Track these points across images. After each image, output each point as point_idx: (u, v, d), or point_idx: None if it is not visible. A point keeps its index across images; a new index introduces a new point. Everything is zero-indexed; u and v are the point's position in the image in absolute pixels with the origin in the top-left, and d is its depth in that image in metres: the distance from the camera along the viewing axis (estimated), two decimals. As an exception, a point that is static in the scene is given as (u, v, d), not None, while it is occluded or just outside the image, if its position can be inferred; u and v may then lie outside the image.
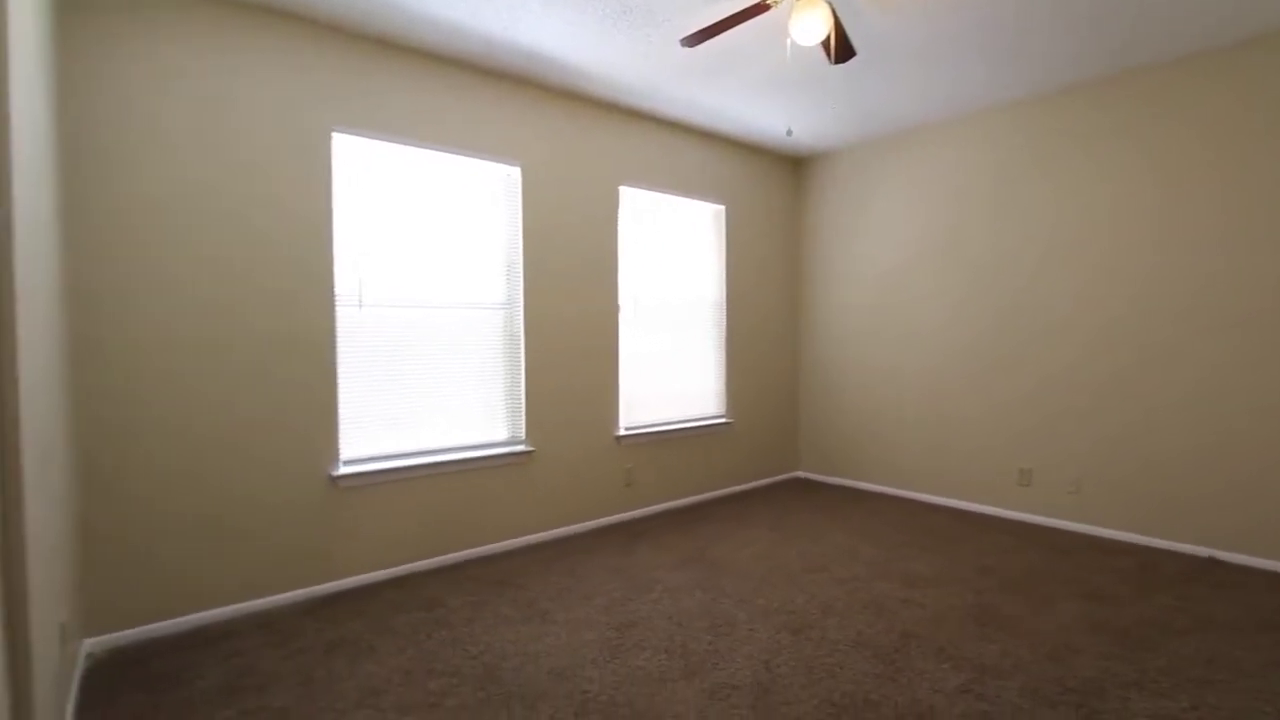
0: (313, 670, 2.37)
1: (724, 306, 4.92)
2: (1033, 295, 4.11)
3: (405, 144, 3.28)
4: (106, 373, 2.54)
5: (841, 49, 2.78)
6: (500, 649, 2.53)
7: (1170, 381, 3.58)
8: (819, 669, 2.36)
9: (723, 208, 4.86)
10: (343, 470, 3.11)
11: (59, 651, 1.95)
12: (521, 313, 3.75)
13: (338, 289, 3.10)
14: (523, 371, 3.76)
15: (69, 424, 2.32)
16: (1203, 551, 3.48)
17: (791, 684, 2.26)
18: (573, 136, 3.94)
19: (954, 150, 4.45)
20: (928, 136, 4.59)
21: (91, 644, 2.53)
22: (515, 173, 3.71)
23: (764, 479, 5.27)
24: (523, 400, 3.77)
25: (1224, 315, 3.39)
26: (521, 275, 3.74)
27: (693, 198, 4.64)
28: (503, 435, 3.72)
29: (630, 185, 4.26)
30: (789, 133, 2.90)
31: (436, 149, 3.38)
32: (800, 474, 5.55)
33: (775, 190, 5.26)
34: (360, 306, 3.19)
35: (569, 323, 3.96)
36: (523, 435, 3.78)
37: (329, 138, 3.04)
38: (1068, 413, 3.97)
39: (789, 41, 3.21)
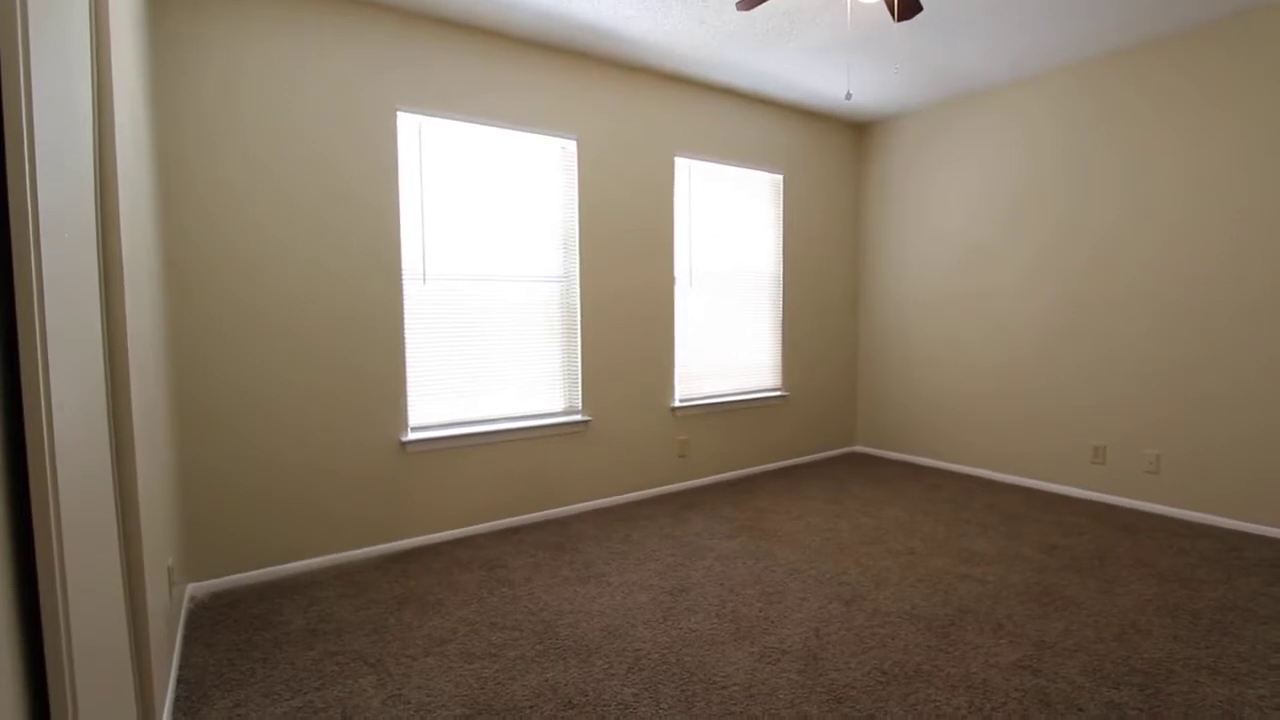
0: (385, 619, 2.55)
1: (781, 278, 4.85)
2: (1106, 262, 3.87)
3: (465, 120, 3.37)
4: (196, 351, 2.75)
5: (906, 5, 2.66)
6: (558, 607, 2.65)
7: (1256, 351, 3.32)
8: (869, 638, 2.37)
9: (780, 176, 4.77)
10: (411, 437, 3.28)
11: (167, 592, 2.18)
12: (578, 285, 3.82)
13: (404, 264, 3.24)
14: (579, 343, 3.84)
15: (168, 396, 2.55)
16: (1296, 537, 3.26)
17: (841, 651, 2.28)
18: (628, 108, 3.94)
19: (1022, 113, 4.20)
20: (995, 99, 4.34)
21: (193, 588, 2.79)
22: (571, 146, 3.75)
23: (820, 453, 5.23)
24: (579, 371, 3.86)
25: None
26: (578, 248, 3.80)
27: (749, 167, 4.56)
28: (560, 405, 3.83)
29: (686, 155, 4.23)
30: (848, 96, 2.81)
31: (495, 124, 3.46)
32: (858, 448, 5.47)
33: (835, 157, 5.10)
34: (424, 281, 3.32)
35: (625, 295, 4.00)
36: (579, 406, 3.87)
37: (394, 116, 3.15)
38: (1145, 386, 3.75)
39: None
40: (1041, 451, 4.27)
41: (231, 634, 2.45)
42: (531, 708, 1.98)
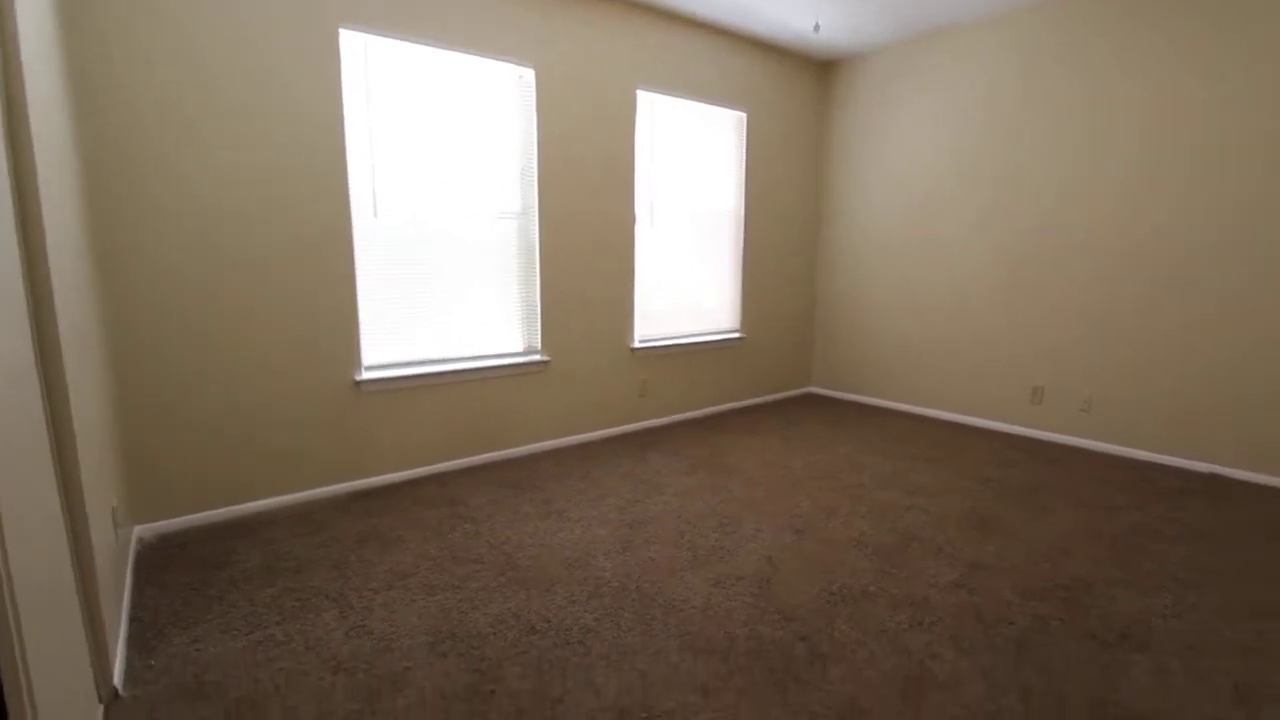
0: (345, 556, 2.55)
1: (742, 219, 4.83)
2: (1056, 213, 3.98)
3: (415, 42, 3.16)
4: (131, 276, 2.59)
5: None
6: (519, 541, 2.69)
7: (1184, 303, 3.51)
8: (819, 564, 2.49)
9: (744, 114, 4.68)
10: (365, 375, 3.20)
11: (113, 533, 2.11)
12: (537, 221, 3.72)
13: (352, 194, 3.09)
14: (538, 282, 3.77)
15: (100, 327, 2.40)
16: (1205, 468, 3.53)
17: (793, 576, 2.39)
18: (589, 37, 3.76)
19: (984, 54, 4.19)
20: (959, 38, 4.31)
21: (141, 530, 2.72)
22: (529, 75, 3.57)
23: (776, 393, 5.35)
24: (539, 310, 3.80)
25: (1252, 237, 3.28)
26: (536, 183, 3.68)
27: (713, 103, 4.46)
28: (520, 345, 3.78)
29: (648, 90, 4.09)
30: (816, 28, 2.74)
31: (447, 48, 3.26)
32: (812, 389, 5.62)
33: (799, 96, 5.03)
34: (375, 213, 3.18)
35: (585, 232, 3.92)
36: (539, 345, 3.84)
37: (335, 33, 2.93)
38: (1084, 332, 3.94)
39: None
40: (985, 392, 4.47)
41: (184, 574, 2.41)
42: (495, 634, 2.02)
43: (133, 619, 2.11)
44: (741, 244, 4.86)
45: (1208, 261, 3.44)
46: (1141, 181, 3.64)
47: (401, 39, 3.12)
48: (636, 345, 4.29)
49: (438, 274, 3.42)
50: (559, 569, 2.45)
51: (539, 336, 3.83)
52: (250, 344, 2.87)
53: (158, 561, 2.51)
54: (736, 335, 4.90)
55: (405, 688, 1.78)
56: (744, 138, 4.72)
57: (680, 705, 1.71)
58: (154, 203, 2.60)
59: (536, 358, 3.80)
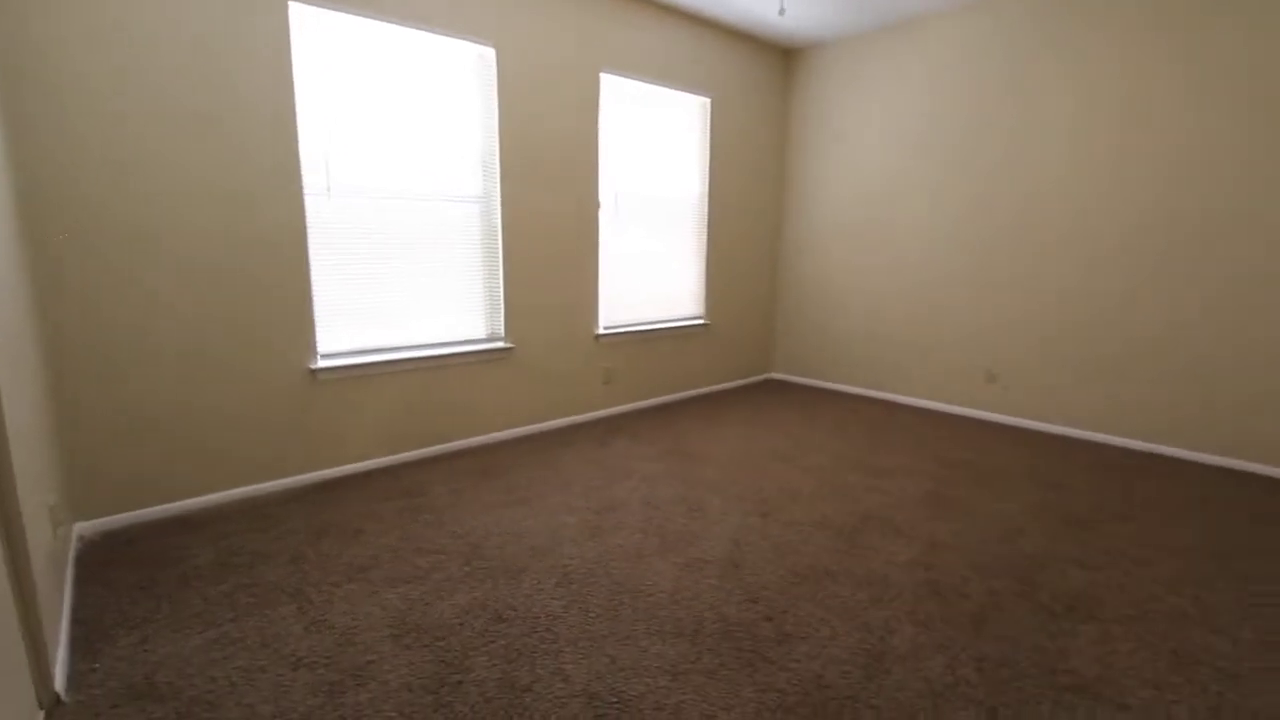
0: (303, 550, 2.47)
1: (706, 205, 4.83)
2: (1007, 199, 4.09)
3: (370, 17, 3.04)
4: (64, 269, 2.44)
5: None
6: (484, 530, 2.65)
7: (1127, 285, 3.66)
8: (784, 546, 2.52)
9: (708, 100, 4.66)
10: (321, 364, 3.10)
11: (51, 531, 2.01)
12: (499, 206, 3.64)
13: (305, 177, 2.97)
14: (501, 267, 3.71)
15: (33, 321, 2.26)
16: (1152, 448, 3.70)
17: (758, 558, 2.42)
18: (552, 16, 3.68)
19: (939, 46, 4.26)
20: (917, 30, 4.37)
21: (82, 527, 2.59)
22: (490, 54, 3.49)
23: (740, 379, 5.40)
24: (502, 297, 3.74)
25: (1188, 230, 3.42)
26: (499, 166, 3.60)
27: (677, 88, 4.43)
28: (482, 332, 3.72)
29: (612, 73, 4.04)
30: (781, 11, 2.74)
31: (403, 24, 3.15)
32: (775, 375, 5.68)
33: (764, 82, 5.03)
34: (329, 196, 3.07)
35: (548, 218, 3.87)
36: (502, 332, 3.78)
37: (285, 7, 2.80)
38: (1036, 316, 4.07)
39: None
40: (941, 376, 4.58)
41: (131, 572, 2.31)
42: (461, 624, 1.99)
43: (75, 620, 2.01)
44: (705, 230, 4.87)
45: (1148, 243, 3.59)
46: (1074, 166, 3.77)
47: (356, 14, 3.00)
48: (601, 332, 4.26)
49: (397, 259, 3.32)
50: (525, 557, 2.43)
51: (502, 323, 3.77)
52: (197, 334, 2.75)
53: (101, 560, 2.39)
54: (701, 322, 4.92)
55: (368, 681, 1.74)
56: (708, 123, 4.71)
57: (650, 689, 1.71)
58: (84, 192, 2.45)
59: (500, 344, 3.74)
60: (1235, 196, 3.29)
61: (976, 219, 4.26)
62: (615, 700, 1.67)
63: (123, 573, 2.30)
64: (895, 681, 1.75)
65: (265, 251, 2.88)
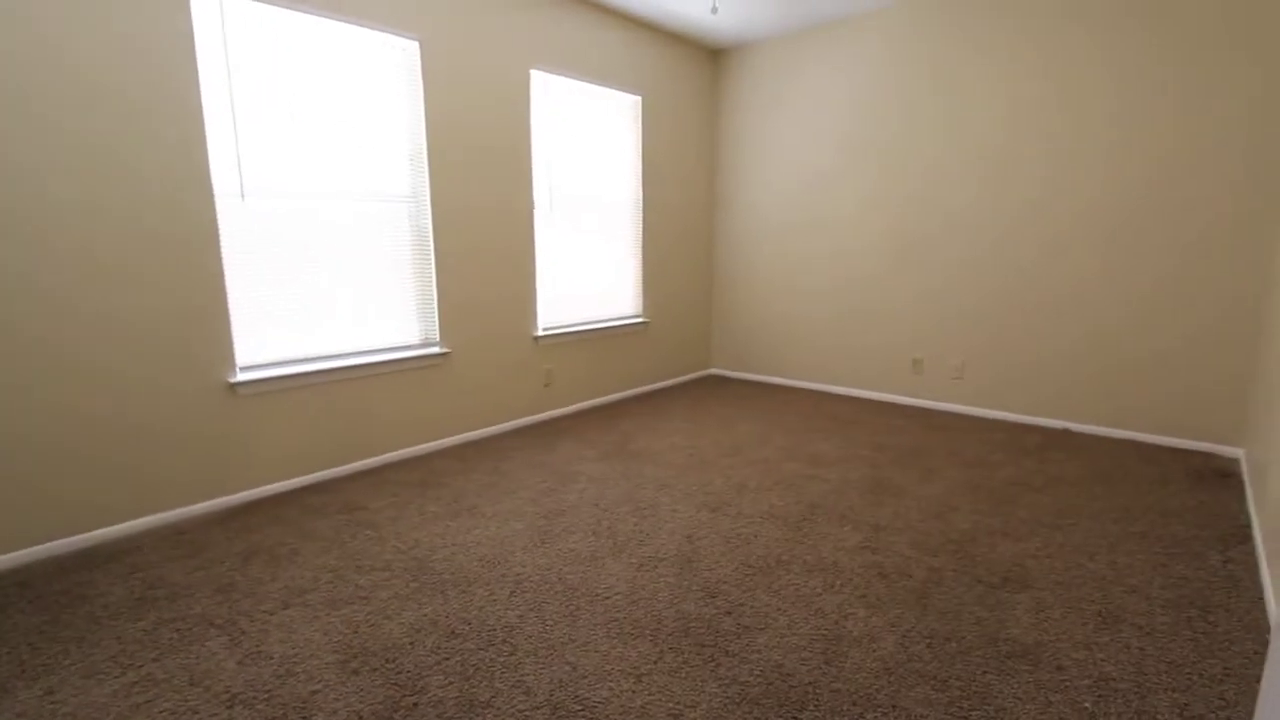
0: (231, 577, 2.30)
1: (640, 203, 4.83)
2: (929, 194, 4.30)
3: (279, 6, 2.86)
4: (-65, 270, 2.17)
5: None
6: (429, 543, 2.55)
7: (1046, 279, 3.92)
8: (735, 539, 2.55)
9: (639, 99, 4.67)
10: (241, 377, 2.90)
11: (-71, 575, 1.78)
12: (429, 206, 3.51)
13: (215, 179, 2.76)
14: (433, 270, 3.58)
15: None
16: (1059, 424, 3.98)
17: (711, 552, 2.44)
18: (477, 9, 3.58)
19: (863, 46, 4.43)
20: (841, 30, 4.53)
21: (-34, 569, 2.31)
22: (413, 47, 3.35)
23: (680, 376, 5.44)
24: (435, 300, 3.61)
25: (1097, 228, 3.71)
26: (426, 163, 3.47)
27: (609, 86, 4.41)
28: (416, 337, 3.58)
29: (543, 70, 3.97)
30: (714, 10, 2.77)
31: (317, 14, 2.98)
32: (714, 371, 5.76)
33: (693, 82, 5.08)
34: (243, 197, 2.86)
35: (481, 218, 3.76)
36: (437, 337, 3.65)
37: (185, -7, 2.59)
38: (956, 308, 4.30)
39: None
40: (872, 366, 4.77)
41: (29, 616, 2.08)
42: (412, 644, 1.90)
43: (-36, 675, 1.79)
44: (641, 229, 4.87)
45: (1058, 247, 3.86)
46: (1000, 166, 4.01)
47: (265, 2, 2.81)
48: (540, 334, 4.19)
49: (322, 263, 3.15)
50: (476, 567, 2.35)
51: (436, 327, 3.64)
52: (95, 346, 2.50)
53: (-8, 605, 2.14)
54: (640, 320, 4.92)
55: (314, 713, 1.63)
56: (640, 122, 4.71)
57: (614, 692, 1.69)
58: (-40, 183, 2.19)
59: (435, 350, 3.61)
60: (1164, 187, 3.52)
61: (906, 216, 4.46)
62: (580, 708, 1.64)
63: (19, 618, 2.07)
64: (853, 664, 1.80)
65: (172, 256, 2.66)
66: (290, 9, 2.89)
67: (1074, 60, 3.68)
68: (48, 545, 2.47)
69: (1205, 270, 3.43)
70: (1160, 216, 3.52)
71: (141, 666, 1.82)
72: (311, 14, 2.96)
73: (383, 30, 3.21)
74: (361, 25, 3.13)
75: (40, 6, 2.28)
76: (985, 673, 1.76)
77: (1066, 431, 3.92)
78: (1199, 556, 2.39)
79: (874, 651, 1.85)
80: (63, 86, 2.35)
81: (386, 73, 3.28)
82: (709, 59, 5.20)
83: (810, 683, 1.72)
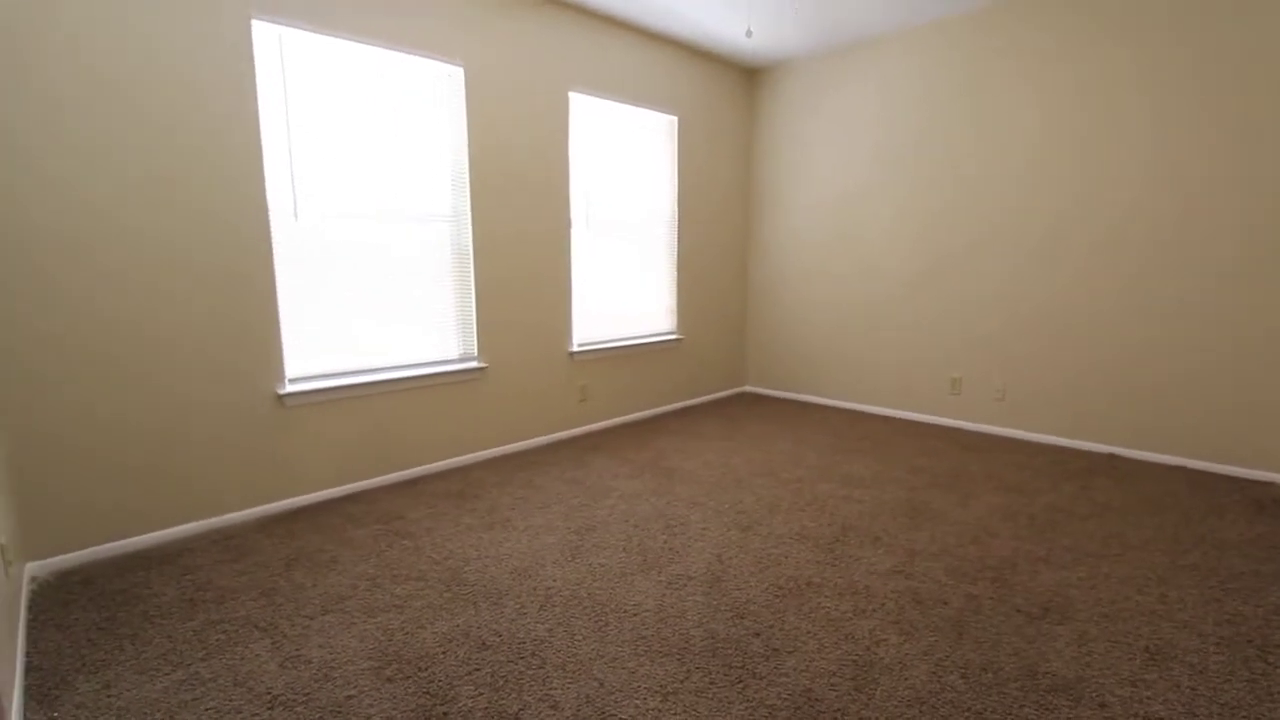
0: (274, 582, 2.39)
1: (676, 222, 4.88)
2: (967, 210, 4.23)
3: (336, 36, 3.01)
4: (9, 295, 2.34)
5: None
6: (463, 554, 2.60)
7: (1087, 296, 3.81)
8: (766, 559, 2.54)
9: (675, 119, 4.73)
10: (289, 389, 3.02)
11: (2, 572, 1.90)
12: (470, 225, 3.62)
13: (270, 200, 2.91)
14: (473, 287, 3.68)
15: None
16: (1104, 449, 3.84)
17: (741, 572, 2.43)
18: (520, 35, 3.70)
19: (896, 65, 4.41)
20: (874, 50, 4.52)
21: (35, 567, 2.46)
22: (459, 74, 3.48)
23: (714, 393, 5.43)
24: (474, 317, 3.71)
25: (1140, 242, 3.59)
26: (468, 185, 3.58)
27: (645, 107, 4.48)
28: (455, 352, 3.67)
29: (581, 92, 4.07)
30: (749, 34, 2.81)
31: (370, 43, 3.12)
32: (748, 388, 5.73)
33: (729, 102, 5.13)
34: (296, 217, 3.01)
35: (519, 236, 3.86)
36: (475, 352, 3.74)
37: (247, 25, 2.75)
38: (994, 327, 4.21)
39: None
40: (908, 385, 4.69)
41: (89, 612, 2.20)
42: (444, 653, 1.95)
43: (30, 668, 1.90)
44: (676, 246, 4.91)
45: (1100, 260, 3.75)
46: (1036, 180, 3.92)
47: (321, 33, 2.97)
48: (575, 349, 4.25)
49: (367, 280, 3.27)
50: (507, 580, 2.39)
51: (475, 342, 3.73)
52: (155, 360, 2.65)
53: (58, 601, 2.27)
54: (674, 336, 4.95)
55: (349, 717, 1.68)
56: (676, 141, 4.77)
57: (640, 711, 1.70)
58: (29, 216, 2.36)
59: (473, 364, 3.70)
60: (1202, 201, 3.41)
61: (940, 232, 4.40)
62: (607, 724, 1.65)
63: (81, 614, 2.19)
64: (884, 692, 1.77)
65: (228, 274, 2.80)
66: (345, 38, 3.04)
67: (1111, 78, 3.60)
68: (108, 546, 2.61)
69: (1259, 285, 3.28)
70: (1206, 229, 3.39)
71: (190, 665, 1.90)
72: (365, 43, 3.11)
73: (430, 57, 3.35)
74: (411, 53, 3.27)
75: (114, 60, 2.45)
76: (1023, 706, 1.71)
77: (1112, 456, 3.78)
78: (1257, 593, 2.28)
79: (906, 680, 1.82)
80: (133, 129, 2.52)
81: (433, 98, 3.41)
82: (744, 78, 5.25)
83: (839, 709, 1.70)
